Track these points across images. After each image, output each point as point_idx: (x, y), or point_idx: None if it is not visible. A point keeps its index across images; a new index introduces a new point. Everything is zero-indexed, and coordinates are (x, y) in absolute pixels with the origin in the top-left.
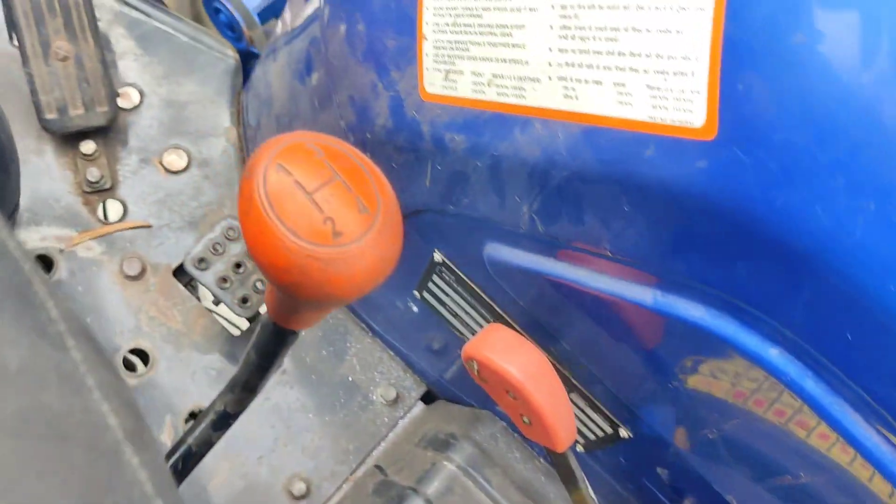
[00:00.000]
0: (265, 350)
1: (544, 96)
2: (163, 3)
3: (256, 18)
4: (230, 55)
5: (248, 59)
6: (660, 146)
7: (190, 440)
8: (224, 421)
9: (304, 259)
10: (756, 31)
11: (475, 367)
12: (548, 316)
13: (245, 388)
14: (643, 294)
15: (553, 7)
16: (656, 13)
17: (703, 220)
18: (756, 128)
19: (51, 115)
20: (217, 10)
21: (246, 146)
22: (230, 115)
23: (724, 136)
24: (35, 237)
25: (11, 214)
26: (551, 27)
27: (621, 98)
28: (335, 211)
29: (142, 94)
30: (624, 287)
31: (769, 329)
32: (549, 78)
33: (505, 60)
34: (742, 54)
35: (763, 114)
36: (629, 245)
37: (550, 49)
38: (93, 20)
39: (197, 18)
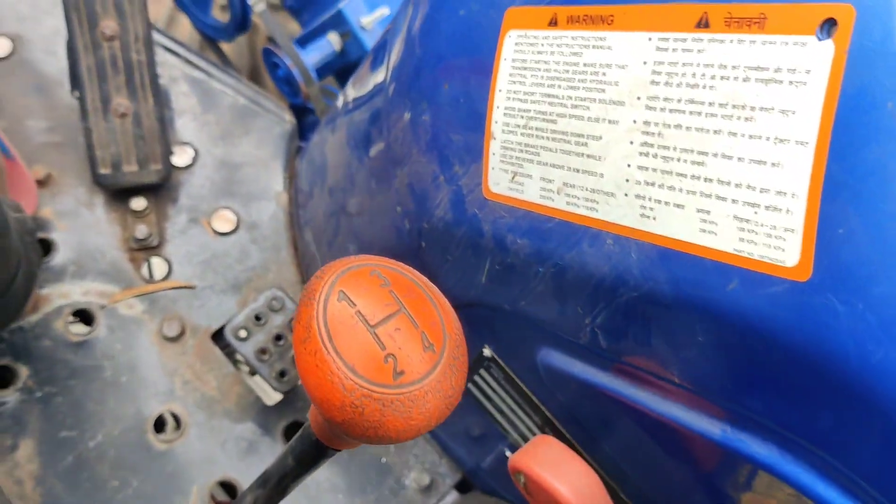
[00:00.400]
0: (304, 460)
1: (619, 212)
2: (222, 54)
3: (314, 75)
4: (287, 119)
5: (303, 115)
6: (744, 281)
7: None
8: None
9: (361, 399)
10: (864, 174)
11: (522, 479)
12: (599, 427)
13: (277, 487)
14: (711, 427)
15: (635, 122)
16: (751, 142)
17: (786, 362)
18: (855, 277)
19: (104, 171)
20: (275, 65)
21: (297, 212)
22: (283, 179)
23: (819, 281)
24: (78, 291)
25: (8, 287)
26: (632, 143)
27: (704, 226)
28: (398, 348)
29: (196, 152)
30: (690, 416)
31: (845, 479)
32: (626, 194)
33: (578, 170)
34: (846, 197)
35: (865, 263)
36: (699, 375)
37: (629, 165)
38: (154, 79)
39: (255, 70)
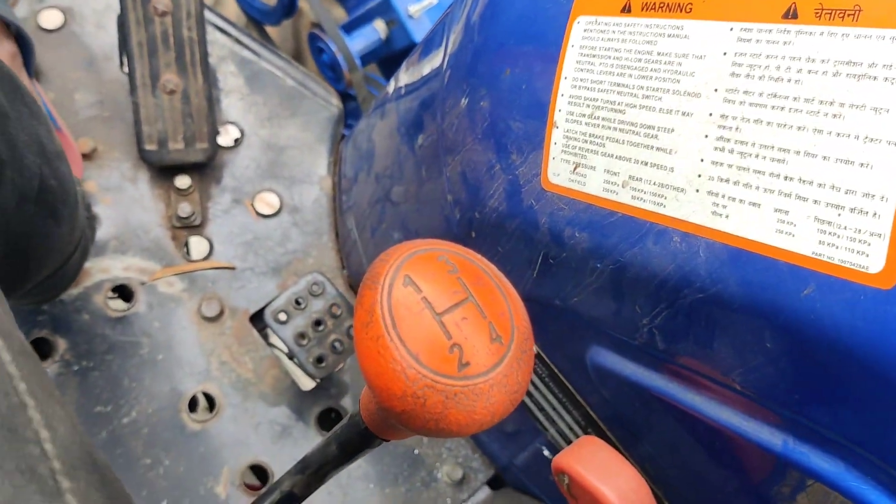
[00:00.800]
0: (348, 448)
1: (688, 209)
2: (268, 37)
3: (358, 62)
4: (335, 104)
5: (344, 101)
6: (821, 286)
7: None
8: (290, 502)
9: (423, 389)
10: None
11: (566, 481)
12: (645, 429)
13: (316, 474)
14: (772, 437)
15: (711, 115)
16: (838, 140)
17: (861, 374)
18: None
19: (150, 147)
20: (320, 50)
21: (339, 197)
22: (327, 164)
23: None
24: (119, 266)
25: (70, 256)
26: (706, 136)
27: (781, 226)
28: (464, 338)
29: (242, 133)
30: (749, 425)
31: None
32: (697, 190)
33: (646, 163)
34: None
35: None
36: (764, 383)
37: (702, 160)
38: (205, 57)
39: (298, 55)
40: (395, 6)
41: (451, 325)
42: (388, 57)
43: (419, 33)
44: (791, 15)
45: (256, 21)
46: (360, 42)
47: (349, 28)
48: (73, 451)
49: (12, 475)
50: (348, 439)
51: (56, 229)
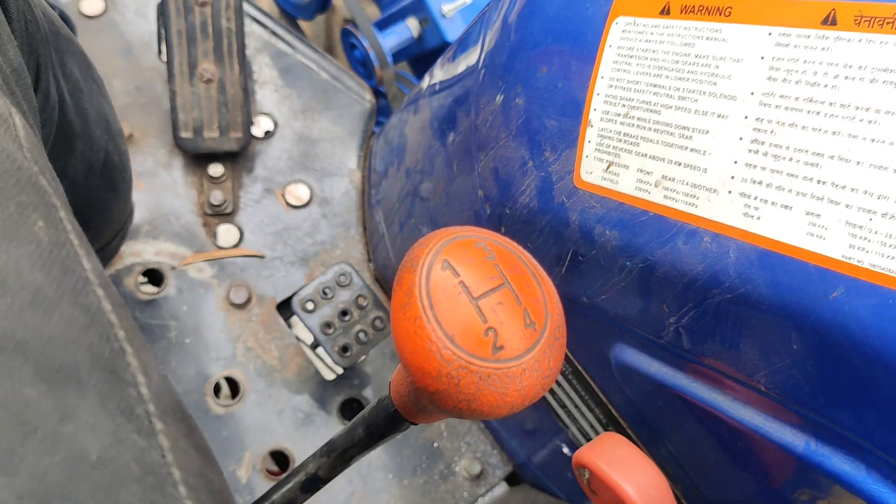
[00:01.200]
0: (376, 431)
1: (720, 210)
2: (301, 31)
3: (390, 59)
4: (367, 99)
5: (375, 98)
6: (850, 289)
7: (275, 497)
8: (314, 484)
9: (458, 370)
10: None
11: (586, 475)
12: (667, 427)
13: (341, 457)
14: (794, 439)
15: (746, 118)
16: (873, 146)
17: (890, 379)
18: None
19: (186, 134)
20: (353, 46)
21: (368, 191)
22: (358, 157)
23: None
24: (150, 250)
25: (118, 233)
26: (741, 138)
27: (812, 229)
28: (499, 322)
29: (276, 124)
30: (772, 426)
31: None
32: (730, 192)
33: (679, 164)
34: None
35: None
36: (789, 384)
37: (736, 161)
38: (242, 48)
39: (329, 49)
40: (429, 5)
41: (486, 310)
42: (420, 55)
43: (452, 32)
44: (830, 21)
45: (290, 15)
46: (392, 39)
47: (382, 25)
48: (164, 397)
49: (114, 414)
50: (375, 422)
51: (115, 203)
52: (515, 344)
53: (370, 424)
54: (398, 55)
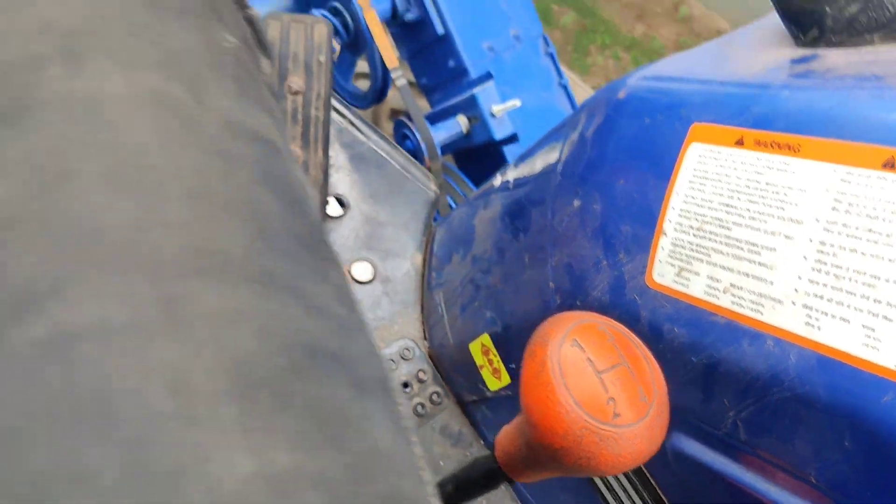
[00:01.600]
0: (466, 487)
1: (784, 318)
2: None
3: (439, 151)
4: (432, 189)
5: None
6: None
7: None
8: None
9: (581, 430)
10: None
11: None
12: None
13: None
14: None
15: (811, 241)
16: None
17: None
18: None
19: None
20: (405, 137)
21: (429, 273)
22: (419, 242)
23: None
24: None
25: None
26: (805, 258)
27: (868, 341)
28: (618, 393)
29: (347, 206)
30: None
31: None
32: (794, 303)
33: (747, 275)
34: None
35: None
36: (840, 479)
37: (800, 277)
38: (326, 135)
39: None
40: (480, 104)
41: (608, 382)
42: (466, 149)
43: (499, 131)
44: (890, 165)
45: (346, 104)
46: (442, 133)
47: (433, 119)
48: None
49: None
50: (470, 479)
51: None
52: (630, 413)
53: (462, 480)
54: (445, 148)
